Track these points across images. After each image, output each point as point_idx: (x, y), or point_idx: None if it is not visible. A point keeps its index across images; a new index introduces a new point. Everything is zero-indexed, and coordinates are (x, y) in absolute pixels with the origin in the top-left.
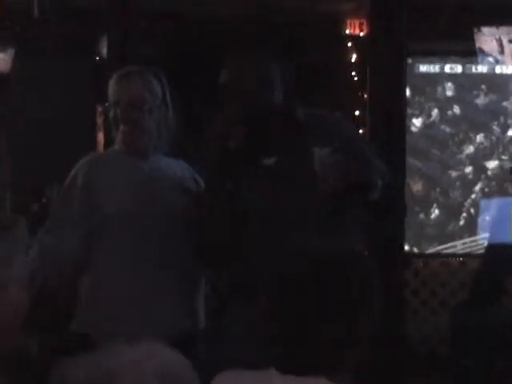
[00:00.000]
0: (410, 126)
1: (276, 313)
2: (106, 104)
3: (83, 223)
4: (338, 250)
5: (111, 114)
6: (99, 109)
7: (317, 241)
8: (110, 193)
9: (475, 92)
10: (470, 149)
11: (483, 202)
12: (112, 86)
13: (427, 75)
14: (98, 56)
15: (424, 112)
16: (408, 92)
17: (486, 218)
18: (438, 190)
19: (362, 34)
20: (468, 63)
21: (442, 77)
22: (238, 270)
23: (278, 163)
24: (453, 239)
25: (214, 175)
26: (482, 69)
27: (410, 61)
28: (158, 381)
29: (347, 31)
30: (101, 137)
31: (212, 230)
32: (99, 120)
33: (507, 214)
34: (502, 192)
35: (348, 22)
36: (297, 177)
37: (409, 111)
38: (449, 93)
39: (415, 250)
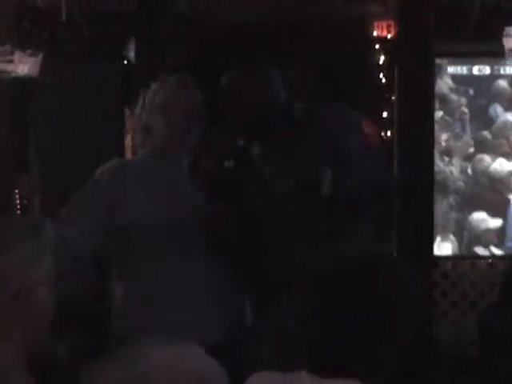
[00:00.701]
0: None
1: (310, 314)
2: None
3: (104, 222)
4: (369, 252)
5: (147, 116)
6: (127, 112)
7: (346, 243)
8: (143, 196)
9: None
10: None
11: None
12: (157, 91)
13: (455, 77)
14: (126, 59)
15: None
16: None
17: None
18: None
19: (389, 36)
20: (496, 65)
21: (470, 78)
22: (268, 271)
23: (279, 168)
24: None
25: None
26: (510, 70)
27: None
28: (191, 383)
29: (375, 33)
30: (129, 140)
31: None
32: (128, 123)
33: None
34: None
35: (375, 24)
36: (298, 181)
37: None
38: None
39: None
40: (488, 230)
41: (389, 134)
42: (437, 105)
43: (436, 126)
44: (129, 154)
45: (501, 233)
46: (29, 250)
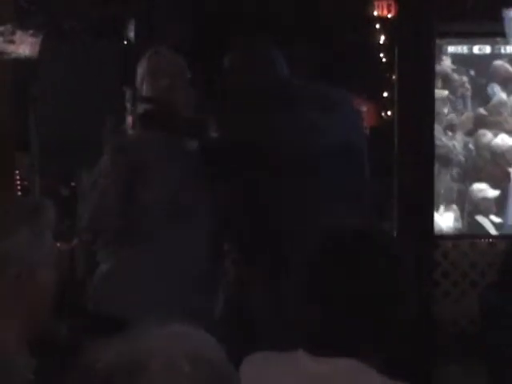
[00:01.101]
0: None
1: (306, 293)
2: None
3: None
4: (368, 230)
5: (140, 88)
6: (127, 92)
7: (343, 219)
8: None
9: None
10: None
11: None
12: (143, 62)
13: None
14: (126, 39)
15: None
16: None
17: None
18: None
19: (389, 16)
20: (497, 44)
21: (470, 58)
22: (265, 252)
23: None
24: None
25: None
26: (511, 49)
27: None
28: (190, 364)
29: (375, 13)
30: (129, 120)
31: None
32: (127, 104)
33: None
34: None
35: (376, 3)
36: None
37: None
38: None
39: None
40: (486, 199)
41: (389, 113)
42: (440, 84)
43: (440, 103)
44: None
45: (499, 203)
46: (30, 233)
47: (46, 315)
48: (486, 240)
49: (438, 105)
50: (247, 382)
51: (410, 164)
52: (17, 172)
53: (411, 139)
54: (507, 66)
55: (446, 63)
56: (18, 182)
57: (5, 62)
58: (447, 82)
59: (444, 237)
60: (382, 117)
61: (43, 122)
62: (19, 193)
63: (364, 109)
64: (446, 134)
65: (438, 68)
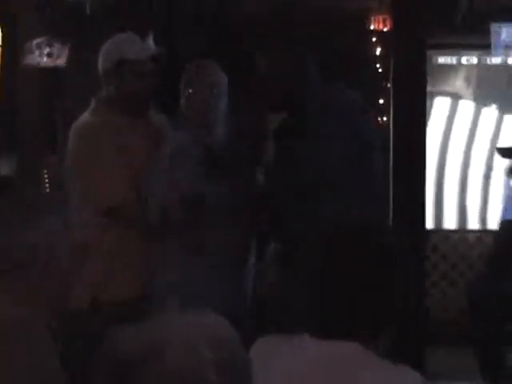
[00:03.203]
0: None
1: (312, 280)
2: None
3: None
4: (366, 221)
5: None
6: None
7: (344, 212)
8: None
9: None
10: None
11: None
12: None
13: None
14: None
15: None
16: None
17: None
18: None
19: (385, 30)
20: (483, 55)
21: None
22: (279, 240)
23: (309, 142)
24: None
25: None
26: (495, 60)
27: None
28: (209, 347)
29: (372, 27)
30: None
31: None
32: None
33: None
34: None
35: (372, 18)
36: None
37: None
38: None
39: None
40: None
41: (385, 119)
42: None
43: None
44: None
45: None
46: (56, 223)
47: (67, 296)
48: (475, 234)
49: None
50: (258, 362)
51: (404, 164)
52: (45, 171)
53: (405, 142)
54: None
55: None
56: (47, 180)
57: (38, 72)
58: None
59: (435, 231)
60: (378, 122)
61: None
62: (47, 190)
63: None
64: None
65: None
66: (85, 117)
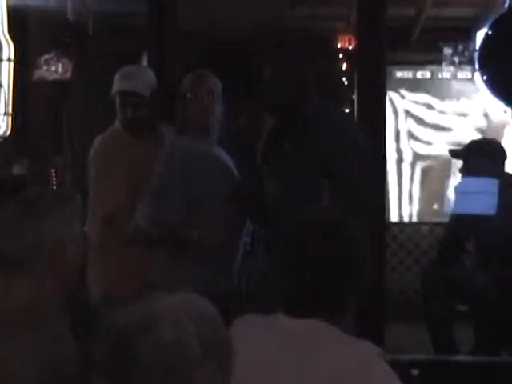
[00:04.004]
0: None
1: (285, 265)
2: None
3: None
4: (334, 216)
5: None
6: None
7: (317, 210)
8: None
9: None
10: None
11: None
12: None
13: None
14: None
15: None
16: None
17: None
18: None
19: (350, 48)
20: (436, 71)
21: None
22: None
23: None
24: None
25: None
26: (446, 75)
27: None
28: (193, 321)
29: (339, 45)
30: None
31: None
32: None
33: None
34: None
35: (339, 37)
36: (305, 160)
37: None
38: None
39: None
40: None
41: None
42: None
43: None
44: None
45: None
46: (63, 216)
47: (73, 282)
48: (428, 226)
49: None
50: (238, 339)
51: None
52: (53, 170)
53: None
54: None
55: None
56: (55, 178)
57: (46, 85)
58: None
59: (393, 223)
60: None
61: (74, 131)
62: (55, 187)
63: None
64: None
65: None
66: (104, 133)
